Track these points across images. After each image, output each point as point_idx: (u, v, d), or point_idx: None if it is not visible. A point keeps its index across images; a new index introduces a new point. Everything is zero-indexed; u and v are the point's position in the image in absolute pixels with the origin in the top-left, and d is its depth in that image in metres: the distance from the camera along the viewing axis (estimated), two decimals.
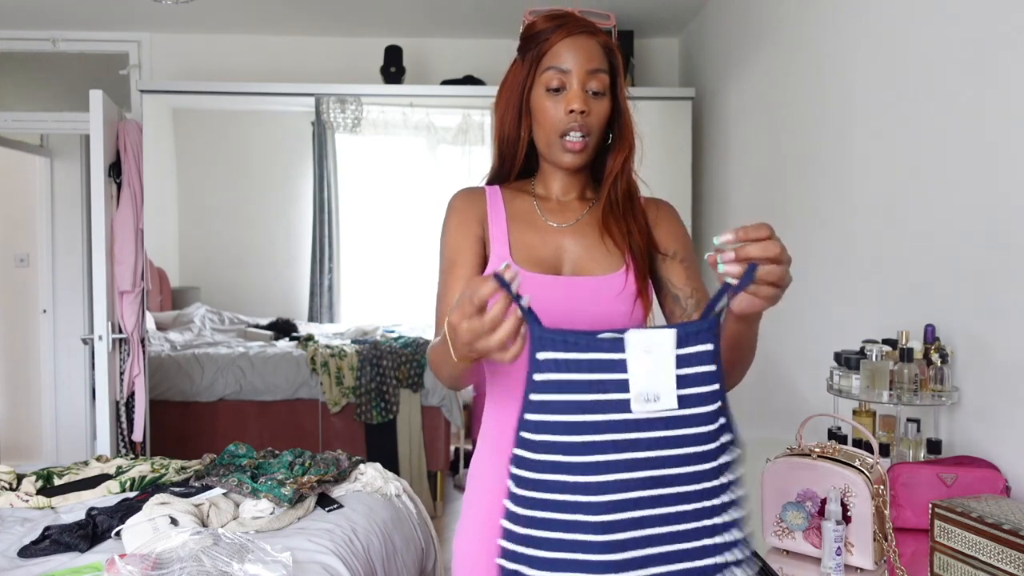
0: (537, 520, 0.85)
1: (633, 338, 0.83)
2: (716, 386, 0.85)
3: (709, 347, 0.85)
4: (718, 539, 0.88)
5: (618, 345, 0.84)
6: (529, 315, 0.84)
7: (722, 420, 0.87)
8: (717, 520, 0.88)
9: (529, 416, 0.85)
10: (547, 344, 0.85)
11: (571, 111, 1.15)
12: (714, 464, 0.87)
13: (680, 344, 0.83)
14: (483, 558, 1.18)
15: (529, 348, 0.85)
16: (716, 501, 0.88)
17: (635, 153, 1.26)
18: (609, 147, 1.26)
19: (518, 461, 0.86)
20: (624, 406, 0.83)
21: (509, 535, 0.87)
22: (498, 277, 0.82)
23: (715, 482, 0.87)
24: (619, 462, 0.84)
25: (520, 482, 0.86)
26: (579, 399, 0.84)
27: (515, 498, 0.86)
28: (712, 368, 0.84)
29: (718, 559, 0.87)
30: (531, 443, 0.85)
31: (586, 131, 1.17)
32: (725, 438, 0.88)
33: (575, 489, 0.83)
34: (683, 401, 0.84)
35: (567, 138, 1.17)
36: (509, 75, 1.24)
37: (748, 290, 0.86)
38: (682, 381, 0.84)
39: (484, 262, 1.21)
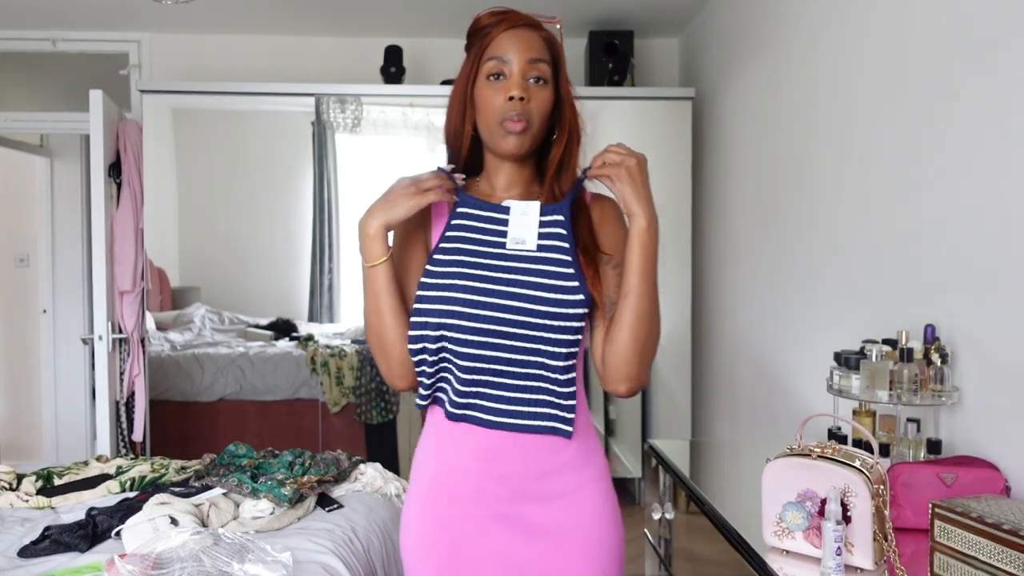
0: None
1: (514, 205, 1.24)
2: (567, 244, 1.22)
3: (561, 217, 1.24)
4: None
5: (507, 210, 1.25)
6: (459, 190, 1.26)
7: (574, 273, 1.21)
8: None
9: (441, 244, 1.24)
10: (464, 203, 1.26)
11: (511, 98, 1.18)
12: (568, 310, 1.19)
13: (542, 213, 1.24)
14: (428, 527, 1.25)
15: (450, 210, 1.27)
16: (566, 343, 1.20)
17: (580, 145, 1.28)
18: (555, 140, 1.27)
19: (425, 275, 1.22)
20: (502, 245, 1.23)
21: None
22: (441, 169, 1.25)
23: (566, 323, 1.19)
24: (495, 277, 1.20)
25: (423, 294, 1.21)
26: (474, 237, 1.24)
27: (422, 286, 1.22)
28: (563, 231, 1.23)
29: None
30: (439, 261, 1.22)
31: (526, 116, 1.20)
32: (580, 295, 1.19)
33: (467, 290, 1.19)
34: (540, 247, 1.22)
35: (506, 123, 1.19)
36: (459, 72, 1.27)
37: (594, 170, 1.20)
38: (542, 235, 1.23)
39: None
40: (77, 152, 4.79)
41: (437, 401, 1.25)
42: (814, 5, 2.52)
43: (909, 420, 1.70)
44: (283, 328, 3.96)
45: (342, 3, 3.66)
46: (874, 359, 1.72)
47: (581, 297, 1.18)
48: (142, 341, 3.63)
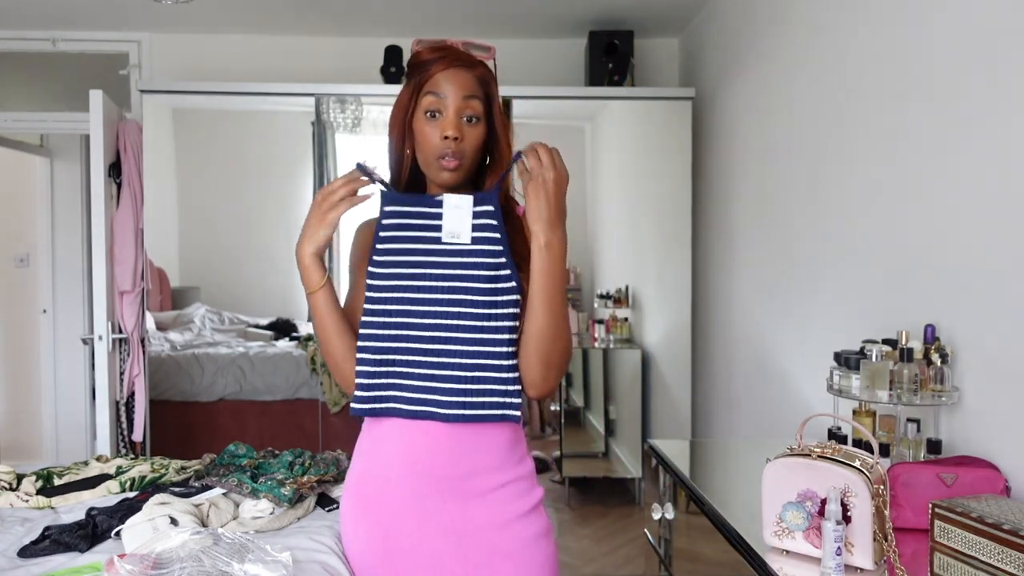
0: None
1: (448, 199, 1.29)
2: (498, 234, 1.29)
3: (491, 208, 1.30)
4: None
5: (438, 203, 1.30)
6: (384, 185, 1.34)
7: (504, 262, 1.28)
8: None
9: (377, 246, 1.31)
10: (391, 201, 1.33)
11: (445, 137, 1.29)
12: (498, 298, 1.27)
13: (475, 204, 1.29)
14: (359, 512, 1.37)
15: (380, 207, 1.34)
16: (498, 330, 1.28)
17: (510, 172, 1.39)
18: (488, 167, 1.40)
19: (370, 277, 1.32)
20: (436, 240, 1.29)
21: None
22: (360, 166, 1.30)
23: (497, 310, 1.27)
24: (432, 275, 1.28)
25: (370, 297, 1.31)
26: (410, 235, 1.31)
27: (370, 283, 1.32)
28: (494, 222, 1.29)
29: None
30: (376, 275, 1.30)
31: (459, 155, 1.30)
32: (509, 284, 1.28)
33: (406, 289, 1.29)
34: (475, 240, 1.29)
35: (442, 160, 1.30)
36: (398, 98, 1.38)
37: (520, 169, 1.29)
38: (475, 227, 1.29)
39: None
40: (77, 152, 4.79)
41: (387, 407, 1.30)
42: (814, 5, 2.52)
43: (909, 420, 1.70)
44: (283, 328, 3.96)
45: (342, 3, 3.66)
46: (874, 359, 1.72)
47: (513, 284, 1.28)
48: (142, 341, 3.63)
